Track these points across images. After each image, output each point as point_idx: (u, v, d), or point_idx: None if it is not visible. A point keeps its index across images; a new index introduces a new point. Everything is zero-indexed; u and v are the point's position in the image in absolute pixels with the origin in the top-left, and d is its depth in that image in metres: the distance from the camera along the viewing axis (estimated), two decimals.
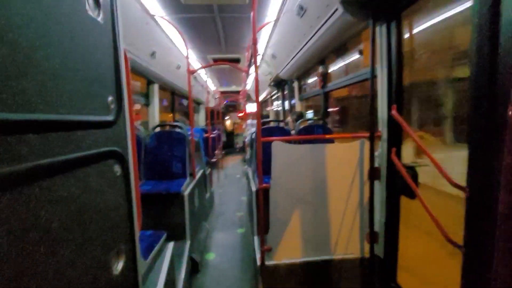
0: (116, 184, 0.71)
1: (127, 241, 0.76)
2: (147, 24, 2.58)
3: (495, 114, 0.83)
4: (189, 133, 2.65)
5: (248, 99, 9.82)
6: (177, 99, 5.95)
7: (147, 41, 2.77)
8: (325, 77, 2.99)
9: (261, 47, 3.95)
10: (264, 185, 1.78)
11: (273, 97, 7.80)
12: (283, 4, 2.42)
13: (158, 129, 2.66)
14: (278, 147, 1.76)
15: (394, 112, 1.61)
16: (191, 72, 2.60)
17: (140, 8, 2.36)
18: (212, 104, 8.92)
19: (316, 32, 2.18)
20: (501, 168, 0.96)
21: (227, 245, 2.64)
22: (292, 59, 3.12)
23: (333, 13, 1.82)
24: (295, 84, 4.17)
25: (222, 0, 2.31)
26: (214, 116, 8.06)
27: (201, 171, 3.08)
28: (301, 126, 2.59)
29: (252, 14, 1.63)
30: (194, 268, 2.16)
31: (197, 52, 4.47)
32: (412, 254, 1.74)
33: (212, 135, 5.50)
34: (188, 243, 2.07)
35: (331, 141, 2.38)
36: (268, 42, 3.60)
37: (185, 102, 6.86)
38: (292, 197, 1.82)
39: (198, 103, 8.24)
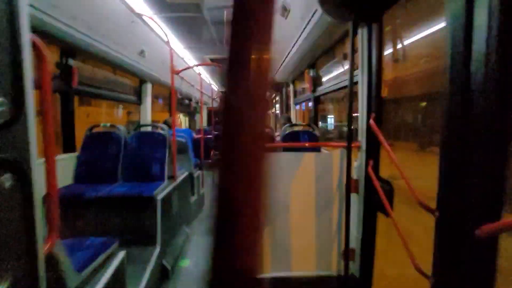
0: (5, 197, 0.63)
1: (20, 261, 0.67)
2: (133, 23, 2.53)
3: (468, 135, 0.79)
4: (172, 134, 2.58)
5: None
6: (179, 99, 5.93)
7: (134, 39, 2.72)
8: (315, 81, 2.88)
9: None
10: None
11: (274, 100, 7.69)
12: None
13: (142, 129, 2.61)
14: None
15: (371, 121, 1.50)
16: (175, 73, 2.54)
17: (124, 7, 2.31)
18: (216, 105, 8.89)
19: (301, 34, 2.08)
20: (473, 191, 0.85)
21: (205, 251, 2.55)
22: (284, 61, 3.02)
23: (314, 13, 1.72)
24: (290, 88, 4.07)
25: None
26: (212, 117, 8.00)
27: (185, 174, 3.01)
28: (287, 132, 2.48)
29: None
30: (164, 275, 2.08)
31: (193, 52, 4.43)
32: (388, 274, 1.61)
33: (208, 136, 5.45)
34: (157, 249, 1.98)
35: (316, 149, 2.27)
36: None
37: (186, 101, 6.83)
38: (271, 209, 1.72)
39: (197, 102, 8.22)
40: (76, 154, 2.35)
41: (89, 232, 1.94)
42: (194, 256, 2.47)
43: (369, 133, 1.55)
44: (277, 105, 7.40)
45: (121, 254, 1.34)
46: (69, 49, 2.18)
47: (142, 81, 3.79)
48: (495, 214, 0.80)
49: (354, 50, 1.52)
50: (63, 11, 1.70)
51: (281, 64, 3.23)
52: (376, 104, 1.52)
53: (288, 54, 2.69)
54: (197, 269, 2.28)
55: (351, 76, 1.55)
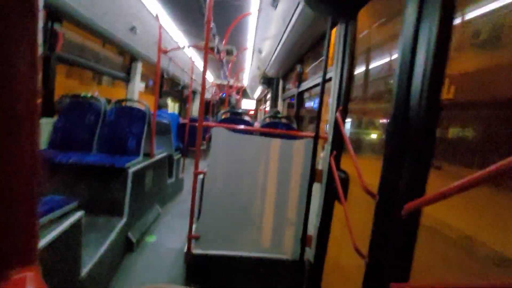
0: None
1: None
2: None
3: (403, 132, 0.89)
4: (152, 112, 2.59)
5: (244, 95, 9.78)
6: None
7: (126, 14, 2.72)
8: (300, 77, 2.94)
9: (250, 40, 3.90)
10: (199, 170, 1.73)
11: (267, 97, 7.74)
12: None
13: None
14: (219, 133, 1.71)
15: (337, 114, 1.56)
16: (163, 52, 2.55)
17: None
18: (209, 95, 8.88)
19: (288, 25, 2.13)
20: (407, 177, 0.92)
21: (174, 230, 2.58)
22: (273, 54, 3.06)
23: (297, 5, 1.76)
24: (280, 83, 4.12)
25: None
26: (210, 107, 8.00)
27: (164, 154, 3.03)
28: (266, 121, 2.53)
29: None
30: (129, 247, 2.11)
31: (189, 37, 4.42)
32: (338, 260, 1.68)
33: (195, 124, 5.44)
34: (123, 220, 2.01)
35: (291, 137, 2.32)
36: (255, 36, 3.55)
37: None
38: (228, 187, 1.76)
39: (194, 92, 8.19)
40: (53, 119, 2.34)
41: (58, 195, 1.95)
42: (162, 234, 2.50)
43: (336, 125, 1.61)
44: (268, 102, 7.46)
45: (78, 214, 1.37)
46: (55, 13, 2.16)
47: (132, 59, 3.78)
48: (419, 193, 0.87)
49: (329, 45, 1.58)
50: None
51: (271, 59, 3.27)
52: (344, 99, 1.58)
53: (277, 47, 2.73)
54: (163, 246, 2.31)
55: (325, 71, 1.61)
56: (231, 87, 7.60)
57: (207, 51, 1.61)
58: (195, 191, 1.74)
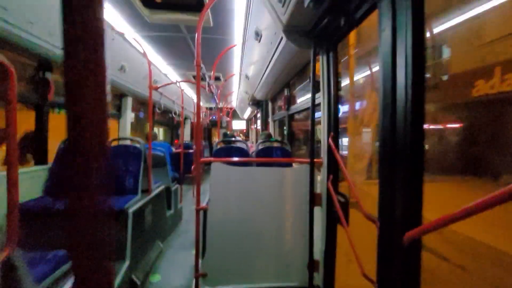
0: None
1: None
2: (113, 40, 2.62)
3: (396, 161, 0.94)
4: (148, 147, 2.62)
5: (234, 116, 9.92)
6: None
7: (114, 55, 2.80)
8: (289, 100, 3.04)
9: (236, 67, 4.04)
10: (201, 206, 1.74)
11: (257, 116, 7.87)
12: (245, 29, 2.50)
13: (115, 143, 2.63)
14: (217, 167, 1.75)
15: (329, 139, 1.63)
16: (153, 88, 2.62)
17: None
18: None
19: (272, 56, 2.24)
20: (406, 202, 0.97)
21: (178, 266, 2.53)
22: (261, 80, 3.18)
23: (281, 40, 1.88)
24: (269, 106, 4.23)
25: (184, 21, 2.37)
26: (200, 132, 8.00)
27: (161, 187, 3.02)
28: (260, 147, 2.59)
29: (196, 35, 1.67)
30: None
31: (176, 69, 4.54)
32: (348, 284, 1.69)
33: (189, 151, 5.47)
34: (126, 263, 1.97)
35: (288, 164, 2.38)
36: (241, 64, 3.69)
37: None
38: (231, 220, 1.78)
39: (185, 118, 8.25)
40: (47, 166, 2.33)
41: (56, 246, 1.91)
42: (166, 271, 2.45)
43: (330, 150, 1.68)
44: (259, 121, 7.58)
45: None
46: (46, 63, 2.22)
47: (123, 95, 3.84)
48: (417, 221, 0.92)
49: (314, 75, 1.67)
50: (39, 27, 1.77)
51: (259, 83, 3.38)
52: (334, 124, 1.66)
53: (264, 74, 2.84)
54: (168, 284, 2.26)
55: (313, 98, 1.70)
56: (221, 110, 7.72)
57: (199, 90, 1.68)
58: (198, 228, 1.75)
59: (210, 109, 9.20)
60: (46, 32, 1.85)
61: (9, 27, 1.56)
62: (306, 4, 1.26)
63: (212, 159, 1.77)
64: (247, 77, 3.83)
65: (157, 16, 2.37)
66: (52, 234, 1.93)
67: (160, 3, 2.21)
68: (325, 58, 1.70)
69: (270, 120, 4.28)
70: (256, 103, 5.36)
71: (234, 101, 8.18)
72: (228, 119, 8.91)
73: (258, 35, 2.18)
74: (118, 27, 2.60)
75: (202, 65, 1.72)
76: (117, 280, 1.83)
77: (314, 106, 1.69)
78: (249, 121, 9.92)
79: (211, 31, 2.74)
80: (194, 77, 4.91)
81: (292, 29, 1.67)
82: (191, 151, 5.74)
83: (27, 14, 1.67)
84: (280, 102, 4.16)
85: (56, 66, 2.38)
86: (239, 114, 10.19)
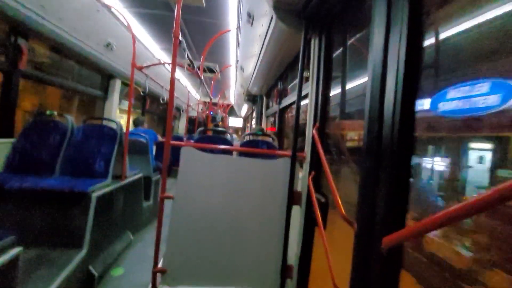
0: None
1: None
2: (99, 12, 2.44)
3: (378, 160, 0.82)
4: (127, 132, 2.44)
5: (230, 113, 9.74)
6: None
7: (99, 30, 2.63)
8: (281, 94, 2.87)
9: (232, 58, 3.87)
10: (166, 194, 1.56)
11: (253, 115, 7.71)
12: (239, 11, 2.33)
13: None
14: (188, 152, 1.57)
15: (314, 131, 1.46)
16: (137, 68, 2.44)
17: None
18: (193, 114, 8.77)
19: (264, 41, 2.07)
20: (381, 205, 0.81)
21: (146, 261, 2.34)
22: (254, 71, 3.01)
23: (270, 22, 1.71)
24: (264, 101, 4.06)
25: None
26: (196, 124, 7.87)
27: (139, 175, 2.83)
28: (246, 140, 2.41)
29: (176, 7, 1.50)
30: (89, 282, 1.87)
31: (169, 54, 4.36)
32: None
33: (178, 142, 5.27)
34: (83, 252, 1.79)
35: (272, 158, 2.19)
36: (236, 53, 3.52)
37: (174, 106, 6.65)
38: (198, 213, 1.59)
39: (178, 109, 8.07)
40: (12, 140, 2.15)
41: (3, 226, 1.73)
42: (131, 265, 2.26)
43: (314, 144, 1.50)
44: (254, 120, 7.42)
45: (14, 251, 1.17)
46: (19, 28, 2.04)
47: (111, 77, 3.66)
48: (399, 226, 0.75)
49: (304, 60, 1.50)
50: None
51: (253, 75, 3.22)
52: (321, 115, 1.49)
53: (257, 63, 2.68)
54: (130, 279, 2.07)
55: (300, 87, 1.52)
56: (215, 104, 7.53)
57: (174, 67, 1.50)
58: (161, 217, 1.57)
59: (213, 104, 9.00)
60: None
61: None
62: None
63: (183, 143, 1.59)
64: (242, 68, 3.66)
65: None
66: (1, 214, 1.75)
67: None
68: (317, 42, 1.53)
69: (264, 116, 4.11)
70: (252, 99, 5.20)
71: (232, 97, 8.01)
72: (224, 115, 8.72)
73: (250, 17, 2.02)
74: None
75: (184, 48, 1.54)
76: (69, 271, 1.64)
77: (301, 95, 1.52)
78: (246, 120, 9.74)
79: (204, 13, 2.57)
80: (189, 65, 4.74)
81: (282, 7, 1.50)
82: (182, 143, 5.55)
83: None
84: (274, 97, 4.00)
85: (32, 34, 2.20)
86: (237, 111, 10.01)
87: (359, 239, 0.89)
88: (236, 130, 11.09)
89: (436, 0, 0.82)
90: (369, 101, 0.86)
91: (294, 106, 1.75)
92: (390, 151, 0.77)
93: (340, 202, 1.03)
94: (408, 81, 0.74)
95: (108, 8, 2.52)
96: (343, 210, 1.01)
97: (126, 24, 2.61)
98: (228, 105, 9.32)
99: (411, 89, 0.74)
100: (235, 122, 10.77)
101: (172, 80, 1.52)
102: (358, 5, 1.23)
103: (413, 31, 0.74)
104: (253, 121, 7.72)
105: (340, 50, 1.49)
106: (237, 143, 3.42)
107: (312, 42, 1.57)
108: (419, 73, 0.75)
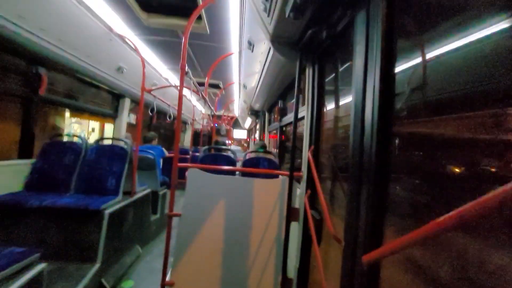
0: None
1: None
2: (111, 41, 2.65)
3: (360, 186, 0.92)
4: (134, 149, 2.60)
5: (235, 125, 9.93)
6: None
7: (111, 56, 2.83)
8: (281, 112, 3.02)
9: (235, 76, 4.05)
10: (174, 212, 1.69)
11: (257, 127, 7.86)
12: (240, 38, 2.51)
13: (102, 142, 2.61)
14: (194, 174, 1.70)
15: (309, 153, 1.58)
16: (146, 91, 2.62)
17: (102, 25, 2.44)
18: (199, 126, 8.99)
19: (264, 66, 2.23)
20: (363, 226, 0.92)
21: (154, 273, 2.45)
22: (256, 90, 3.17)
23: (269, 50, 1.87)
24: (266, 116, 4.21)
25: (179, 27, 2.39)
26: (201, 138, 8.05)
27: (147, 190, 2.98)
28: (247, 157, 2.54)
29: (183, 40, 1.67)
30: None
31: (177, 74, 4.58)
32: None
33: (185, 156, 5.44)
34: (96, 266, 1.91)
35: (273, 176, 2.32)
36: (239, 73, 3.70)
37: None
38: (204, 230, 1.72)
39: (184, 123, 8.28)
40: (31, 161, 2.32)
41: (26, 242, 1.87)
42: (141, 277, 2.37)
43: (310, 164, 1.63)
44: (258, 132, 7.56)
45: (40, 267, 1.30)
46: (38, 58, 2.24)
47: (120, 96, 3.87)
48: (378, 244, 0.86)
49: (300, 87, 1.65)
50: (30, 22, 1.80)
51: (255, 93, 3.38)
52: (316, 138, 1.62)
53: (258, 84, 2.83)
54: None
55: (296, 110, 1.66)
56: (219, 117, 7.71)
57: (181, 93, 1.66)
58: (170, 233, 1.69)
59: (217, 117, 9.24)
60: (37, 28, 1.88)
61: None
62: (287, 15, 1.24)
63: (189, 164, 1.73)
64: (244, 86, 3.84)
65: (153, 20, 2.39)
66: (23, 230, 1.89)
67: (156, 7, 2.24)
68: (310, 70, 1.68)
69: (266, 131, 4.26)
70: (255, 113, 5.36)
71: (236, 110, 8.20)
72: (228, 127, 8.91)
73: (250, 45, 2.19)
74: (117, 28, 2.64)
75: (188, 70, 1.71)
76: (85, 282, 1.76)
77: (297, 118, 1.66)
78: (250, 131, 9.92)
79: (208, 38, 2.76)
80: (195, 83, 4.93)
81: (279, 40, 1.66)
82: (187, 156, 5.71)
83: (17, 8, 1.70)
84: (275, 114, 4.15)
85: (51, 63, 2.41)
86: (241, 123, 10.20)
87: (345, 256, 1.00)
88: (240, 142, 11.25)
89: (407, 32, 0.95)
90: (353, 124, 0.98)
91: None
92: (368, 175, 0.88)
93: (329, 220, 1.14)
94: (383, 96, 0.84)
95: (119, 37, 2.74)
96: (332, 229, 1.12)
97: (136, 50, 2.82)
98: (232, 118, 9.53)
99: (386, 114, 0.85)
100: (239, 134, 10.96)
101: (179, 107, 1.68)
102: (345, 39, 1.37)
103: (387, 48, 0.86)
104: (257, 134, 7.87)
105: (332, 77, 1.64)
106: (240, 155, 3.57)
107: (307, 71, 1.72)
108: (393, 96, 0.87)
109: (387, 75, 0.86)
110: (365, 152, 0.91)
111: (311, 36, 1.46)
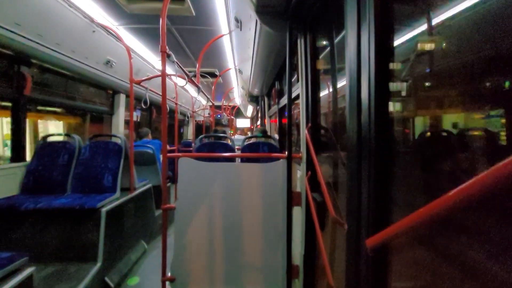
0: None
1: None
2: (94, 32, 2.53)
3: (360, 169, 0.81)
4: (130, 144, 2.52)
5: (238, 115, 9.78)
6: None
7: (97, 49, 2.71)
8: (279, 93, 2.87)
9: (230, 62, 3.89)
10: (167, 205, 1.60)
11: (259, 115, 7.71)
12: (228, 16, 2.35)
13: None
14: (185, 163, 1.61)
15: (306, 132, 1.46)
16: (135, 82, 2.51)
17: (82, 16, 2.31)
18: (200, 118, 8.88)
19: (254, 44, 2.08)
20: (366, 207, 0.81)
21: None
22: (251, 74, 3.02)
23: (256, 24, 1.71)
24: (265, 101, 4.06)
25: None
26: (203, 129, 7.97)
27: (148, 185, 2.92)
28: (246, 143, 2.43)
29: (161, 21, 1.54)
30: None
31: (170, 64, 4.44)
32: None
33: (187, 149, 5.36)
34: (98, 265, 1.87)
35: (273, 159, 2.20)
36: (233, 57, 3.54)
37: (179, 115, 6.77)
38: (201, 221, 1.63)
39: (183, 115, 8.19)
40: (25, 163, 2.27)
41: (22, 246, 1.83)
42: (147, 274, 2.33)
43: (308, 143, 1.50)
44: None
45: (28, 271, 1.24)
46: (21, 57, 2.15)
47: (115, 92, 3.77)
48: (383, 226, 0.75)
49: (291, 61, 1.51)
50: (3, 17, 1.69)
51: (250, 77, 3.23)
52: (312, 115, 1.48)
53: (252, 66, 2.68)
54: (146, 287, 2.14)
55: (290, 88, 1.53)
56: (219, 107, 7.57)
57: (164, 79, 1.54)
58: (165, 227, 1.62)
59: (217, 107, 9.08)
60: (11, 22, 1.76)
61: None
62: None
63: (179, 154, 1.63)
64: (240, 71, 3.68)
65: (134, 6, 2.25)
66: (19, 234, 1.85)
67: None
68: (302, 41, 1.52)
69: (266, 116, 4.12)
70: (255, 100, 5.21)
71: (237, 98, 8.05)
72: (230, 117, 8.78)
73: (238, 22, 2.03)
74: (99, 18, 2.50)
75: (170, 52, 1.58)
76: (86, 282, 1.72)
77: (291, 95, 1.53)
78: (253, 119, 9.77)
79: (195, 21, 2.60)
80: (190, 72, 4.79)
81: (265, 10, 1.50)
82: (190, 149, 5.64)
83: None
84: (273, 98, 3.99)
85: (36, 61, 2.31)
86: (243, 112, 10.04)
87: (349, 240, 0.89)
88: (243, 130, 11.13)
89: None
90: (348, 101, 0.86)
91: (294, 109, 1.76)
92: (368, 151, 0.76)
93: (330, 203, 1.03)
94: (379, 82, 0.73)
95: (103, 27, 2.60)
96: (332, 212, 1.01)
97: (120, 40, 2.69)
98: (233, 107, 9.37)
99: (382, 90, 0.73)
100: (242, 123, 10.83)
101: (164, 91, 1.57)
102: (336, 3, 1.21)
103: (381, 27, 0.73)
104: (259, 121, 7.72)
105: (328, 49, 1.48)
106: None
107: (298, 42, 1.56)
108: (389, 69, 0.74)
109: (382, 45, 0.72)
110: (363, 126, 0.78)
111: (297, 4, 1.30)
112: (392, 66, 0.75)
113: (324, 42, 1.47)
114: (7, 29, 1.77)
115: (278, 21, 1.53)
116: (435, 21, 0.69)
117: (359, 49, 0.79)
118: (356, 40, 0.80)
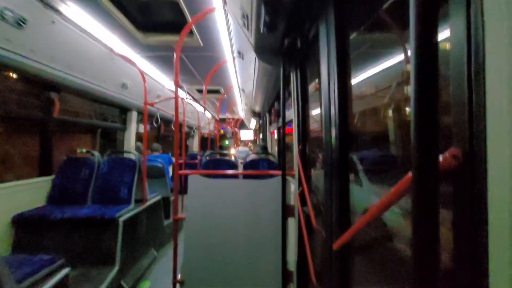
0: None
1: None
2: (113, 60, 2.85)
3: (331, 177, 0.97)
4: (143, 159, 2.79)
5: (242, 126, 10.10)
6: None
7: (115, 74, 3.04)
8: (278, 113, 3.14)
9: (233, 81, 4.19)
10: (178, 216, 1.85)
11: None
12: (231, 47, 2.65)
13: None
14: (194, 180, 1.86)
15: (296, 152, 1.70)
16: (149, 104, 2.81)
17: (103, 48, 2.64)
18: (205, 131, 9.22)
19: (254, 71, 2.36)
20: (333, 213, 1.03)
21: (169, 274, 2.63)
22: (253, 94, 3.30)
23: (255, 58, 1.99)
24: (267, 118, 4.34)
25: (174, 43, 2.54)
26: (208, 142, 8.24)
27: (158, 197, 3.17)
28: (247, 160, 2.68)
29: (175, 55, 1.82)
30: None
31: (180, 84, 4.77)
32: None
33: (193, 161, 5.64)
34: (115, 269, 2.11)
35: (271, 176, 2.45)
36: (237, 77, 3.84)
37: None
38: (207, 230, 1.87)
39: (190, 128, 8.52)
40: (51, 177, 2.55)
41: (53, 251, 2.09)
42: (157, 278, 2.56)
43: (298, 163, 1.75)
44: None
45: (64, 271, 1.49)
46: (50, 84, 2.46)
47: (127, 110, 4.10)
48: (344, 229, 0.98)
49: (285, 91, 1.77)
50: (40, 54, 2.01)
51: (252, 96, 3.51)
52: (303, 138, 1.74)
53: (253, 88, 2.97)
54: None
55: (283, 114, 1.79)
56: (223, 120, 7.88)
57: (177, 105, 1.82)
58: (176, 236, 1.86)
59: (221, 120, 9.44)
60: (48, 58, 2.08)
61: (12, 56, 1.79)
62: (261, 30, 1.37)
63: (189, 171, 1.89)
64: (243, 90, 3.98)
65: (149, 38, 2.57)
66: (49, 240, 2.11)
67: (151, 26, 2.41)
68: (294, 75, 1.79)
69: (268, 131, 4.38)
70: (258, 115, 5.49)
71: (240, 112, 8.36)
72: (234, 130, 9.09)
73: (240, 54, 2.32)
74: (118, 49, 2.83)
75: (181, 84, 1.86)
76: (106, 284, 1.96)
77: (285, 120, 1.78)
78: (256, 131, 10.09)
79: (203, 49, 2.91)
80: (198, 91, 5.11)
81: (262, 49, 1.78)
82: (196, 161, 5.91)
83: (27, 44, 1.90)
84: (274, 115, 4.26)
85: (63, 88, 2.63)
86: (247, 125, 10.35)
87: (323, 245, 1.12)
88: (245, 142, 11.43)
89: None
90: (324, 129, 1.09)
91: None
92: (336, 168, 0.99)
93: (312, 214, 1.27)
94: (342, 96, 0.95)
95: (121, 56, 2.93)
96: (314, 223, 1.24)
97: (135, 66, 3.01)
98: (237, 120, 9.71)
99: (345, 105, 0.95)
100: (246, 134, 11.15)
101: (176, 118, 1.84)
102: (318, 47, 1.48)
103: (341, 67, 0.97)
104: (261, 135, 7.98)
105: (314, 80, 1.75)
106: (245, 155, 3.75)
107: (291, 76, 1.83)
108: (350, 100, 0.98)
109: (343, 81, 0.97)
110: (333, 149, 1.02)
111: (289, 45, 1.58)
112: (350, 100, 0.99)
113: (312, 76, 1.73)
114: (44, 64, 2.09)
115: (273, 58, 1.81)
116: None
117: (329, 87, 1.04)
118: (327, 79, 1.05)
